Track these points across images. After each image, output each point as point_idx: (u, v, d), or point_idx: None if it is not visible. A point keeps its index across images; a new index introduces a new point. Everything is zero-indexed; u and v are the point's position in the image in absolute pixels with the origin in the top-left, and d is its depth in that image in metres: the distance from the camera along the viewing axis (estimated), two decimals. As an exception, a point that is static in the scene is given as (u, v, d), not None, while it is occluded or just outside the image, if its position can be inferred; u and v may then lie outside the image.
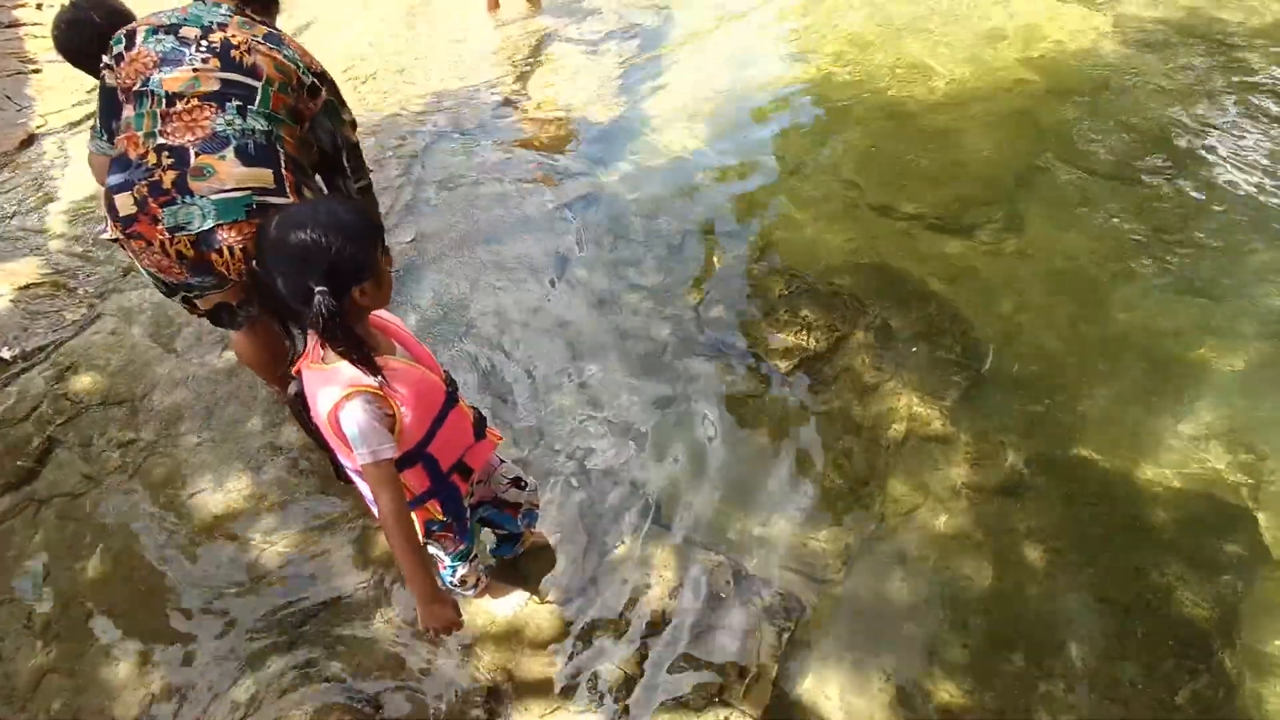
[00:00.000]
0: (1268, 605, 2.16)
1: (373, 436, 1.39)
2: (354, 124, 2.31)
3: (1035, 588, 2.21)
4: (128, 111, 1.95)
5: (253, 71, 1.98)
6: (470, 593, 2.12)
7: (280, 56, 2.04)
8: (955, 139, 3.86)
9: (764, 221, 3.46)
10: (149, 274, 2.05)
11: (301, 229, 1.30)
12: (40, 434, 2.63)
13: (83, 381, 2.82)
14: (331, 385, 1.39)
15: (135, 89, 1.93)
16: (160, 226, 1.88)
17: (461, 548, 1.86)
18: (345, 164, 2.29)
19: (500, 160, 3.93)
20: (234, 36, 1.99)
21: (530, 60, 4.89)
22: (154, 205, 1.88)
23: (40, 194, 3.75)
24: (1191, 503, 2.38)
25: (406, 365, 1.50)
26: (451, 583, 2.03)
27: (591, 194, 3.66)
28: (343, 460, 1.56)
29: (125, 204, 1.90)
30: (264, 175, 1.92)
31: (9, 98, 4.47)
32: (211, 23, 2.00)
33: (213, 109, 1.92)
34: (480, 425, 1.70)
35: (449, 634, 1.68)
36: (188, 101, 1.91)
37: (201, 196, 1.87)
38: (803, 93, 4.34)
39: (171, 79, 1.92)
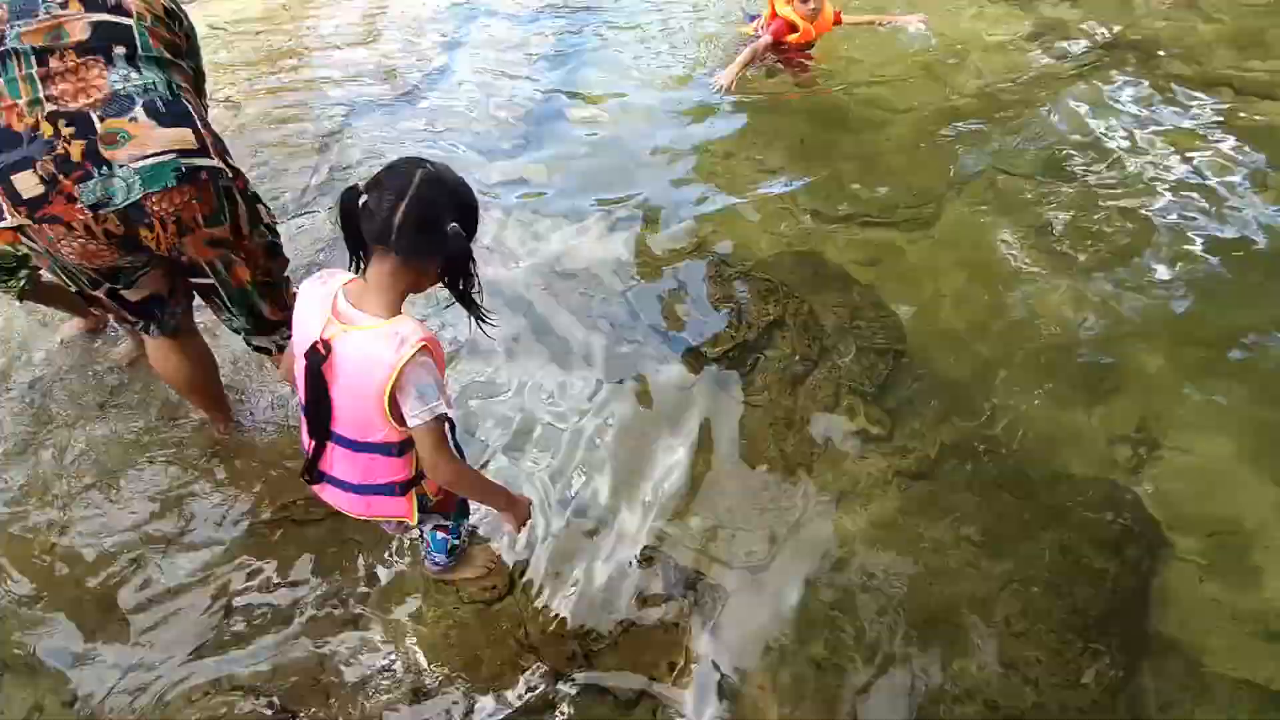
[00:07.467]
0: (1163, 589, 2.29)
1: (440, 390, 1.46)
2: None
3: (951, 572, 2.28)
4: None
5: (119, 8, 1.75)
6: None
7: None
8: (883, 133, 3.92)
9: (693, 209, 3.44)
10: (69, 268, 1.82)
11: (456, 183, 1.43)
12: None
13: (-43, 367, 2.58)
14: (395, 340, 1.40)
15: None
16: (79, 205, 1.66)
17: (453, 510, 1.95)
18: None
19: (424, 138, 3.78)
20: None
21: (459, 32, 4.72)
22: (67, 183, 1.64)
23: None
24: (1096, 490, 2.49)
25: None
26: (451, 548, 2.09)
27: (518, 176, 3.57)
28: (357, 438, 1.53)
29: (28, 184, 1.63)
30: (185, 136, 1.73)
31: None
32: None
33: (100, 64, 1.69)
34: None
35: (526, 521, 1.85)
36: (62, 57, 1.67)
37: (121, 166, 1.66)
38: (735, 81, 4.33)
39: (30, 31, 1.66)
